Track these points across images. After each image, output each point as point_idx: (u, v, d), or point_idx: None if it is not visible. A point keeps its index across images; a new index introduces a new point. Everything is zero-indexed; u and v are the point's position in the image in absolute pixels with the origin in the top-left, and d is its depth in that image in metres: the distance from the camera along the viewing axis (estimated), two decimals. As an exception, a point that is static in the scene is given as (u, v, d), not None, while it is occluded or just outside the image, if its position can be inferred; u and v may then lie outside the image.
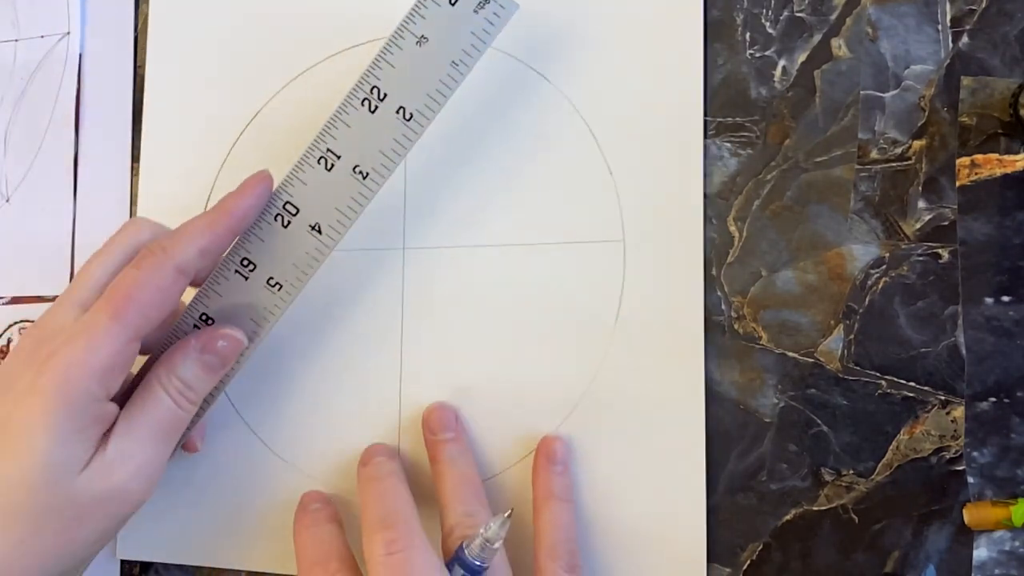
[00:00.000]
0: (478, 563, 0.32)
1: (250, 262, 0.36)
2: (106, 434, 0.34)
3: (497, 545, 0.32)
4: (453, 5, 0.35)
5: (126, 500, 0.34)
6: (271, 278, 0.36)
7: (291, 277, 0.36)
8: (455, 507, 0.35)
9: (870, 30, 0.35)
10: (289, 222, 0.36)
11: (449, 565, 0.32)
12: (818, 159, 0.35)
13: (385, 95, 0.35)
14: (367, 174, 0.36)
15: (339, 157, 0.36)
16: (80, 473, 0.32)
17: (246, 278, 0.37)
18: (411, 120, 0.35)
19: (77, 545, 0.33)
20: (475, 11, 0.35)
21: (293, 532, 0.37)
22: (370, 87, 0.35)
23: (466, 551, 0.32)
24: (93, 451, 0.33)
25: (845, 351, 0.34)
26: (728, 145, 0.36)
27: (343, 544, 0.36)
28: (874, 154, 0.35)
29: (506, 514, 0.31)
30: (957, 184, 0.33)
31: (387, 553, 0.32)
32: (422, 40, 0.35)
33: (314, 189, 0.36)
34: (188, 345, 0.35)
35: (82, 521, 0.33)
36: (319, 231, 0.36)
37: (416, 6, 0.35)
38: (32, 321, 0.46)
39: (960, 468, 0.33)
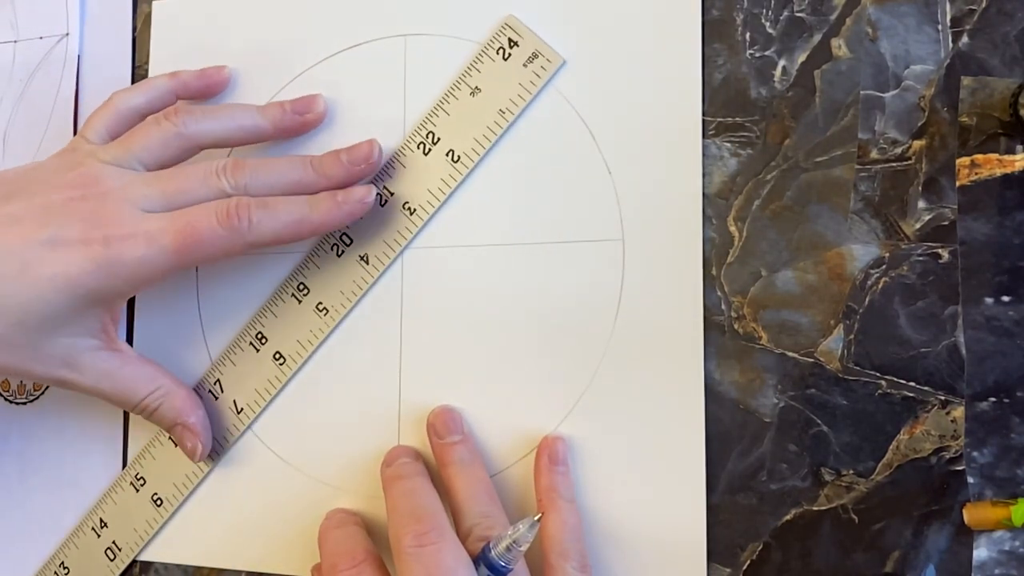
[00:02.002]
0: (503, 564, 0.31)
1: (305, 286, 0.40)
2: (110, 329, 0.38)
3: (524, 548, 0.31)
4: (506, 60, 0.38)
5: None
6: (320, 303, 0.40)
7: (337, 303, 0.40)
8: (471, 508, 0.34)
9: (870, 30, 0.35)
10: (343, 251, 0.40)
11: (473, 564, 0.32)
12: (818, 159, 0.35)
13: (439, 139, 0.39)
14: (414, 210, 0.39)
15: (392, 194, 0.39)
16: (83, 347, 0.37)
17: (299, 302, 0.40)
18: (458, 161, 0.38)
19: None
20: (524, 65, 0.38)
21: (319, 534, 0.37)
22: (426, 132, 0.39)
23: (492, 552, 0.32)
24: (99, 328, 0.38)
25: (845, 351, 0.34)
26: (728, 145, 0.36)
27: (369, 542, 0.36)
28: (874, 154, 0.35)
29: (536, 517, 0.31)
30: (957, 184, 0.33)
31: (418, 545, 0.32)
32: (476, 91, 0.38)
33: (367, 222, 0.39)
34: None
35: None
36: (367, 261, 0.39)
37: (474, 60, 0.39)
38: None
39: (960, 468, 0.33)
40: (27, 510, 0.45)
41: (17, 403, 0.46)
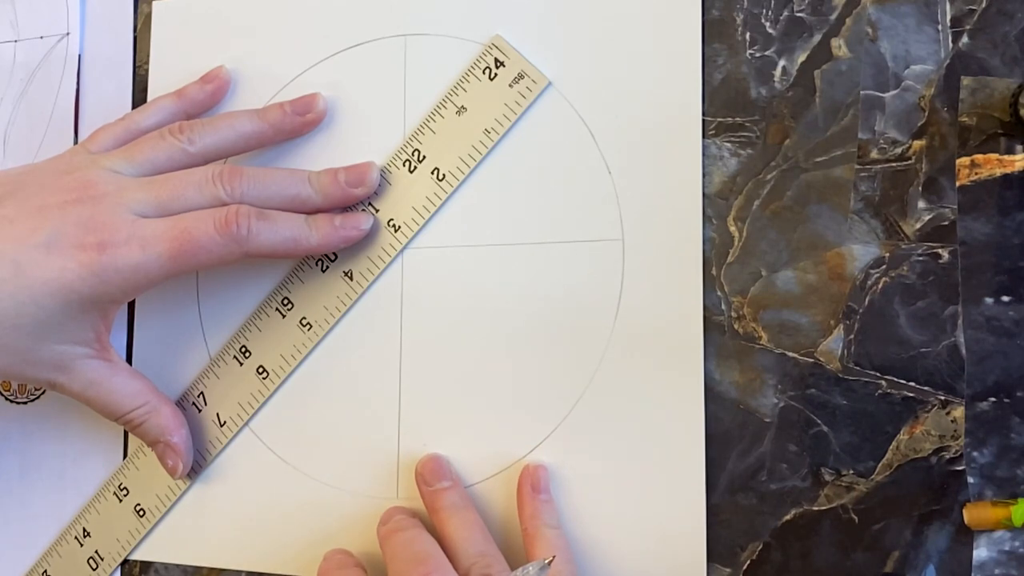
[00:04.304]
0: None
1: (290, 301, 0.41)
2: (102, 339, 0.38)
3: None
4: (492, 80, 0.38)
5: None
6: (304, 318, 0.40)
7: (320, 318, 0.40)
8: (466, 549, 0.34)
9: (870, 30, 0.35)
10: (327, 267, 0.40)
11: None
12: (818, 159, 0.35)
13: (424, 157, 0.39)
14: (399, 227, 0.39)
15: (377, 211, 0.40)
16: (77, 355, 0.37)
17: (283, 316, 0.41)
18: (443, 180, 0.39)
19: None
20: (510, 85, 0.38)
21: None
22: (412, 150, 0.39)
23: None
24: (92, 335, 0.37)
25: (845, 351, 0.34)
26: (728, 145, 0.36)
27: None
28: (874, 154, 0.35)
29: (547, 560, 0.31)
30: (957, 184, 0.33)
31: None
32: (461, 110, 0.39)
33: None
34: None
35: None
36: (351, 277, 0.40)
37: (460, 80, 0.39)
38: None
39: (960, 468, 0.33)
40: (28, 509, 0.45)
41: (18, 403, 0.46)
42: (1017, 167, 0.33)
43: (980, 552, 0.32)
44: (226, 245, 0.36)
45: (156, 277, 0.36)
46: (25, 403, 0.46)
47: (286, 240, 0.37)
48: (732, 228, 0.36)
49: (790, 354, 0.35)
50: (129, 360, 0.44)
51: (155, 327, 0.44)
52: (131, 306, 0.44)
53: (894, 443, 0.33)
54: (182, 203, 0.36)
